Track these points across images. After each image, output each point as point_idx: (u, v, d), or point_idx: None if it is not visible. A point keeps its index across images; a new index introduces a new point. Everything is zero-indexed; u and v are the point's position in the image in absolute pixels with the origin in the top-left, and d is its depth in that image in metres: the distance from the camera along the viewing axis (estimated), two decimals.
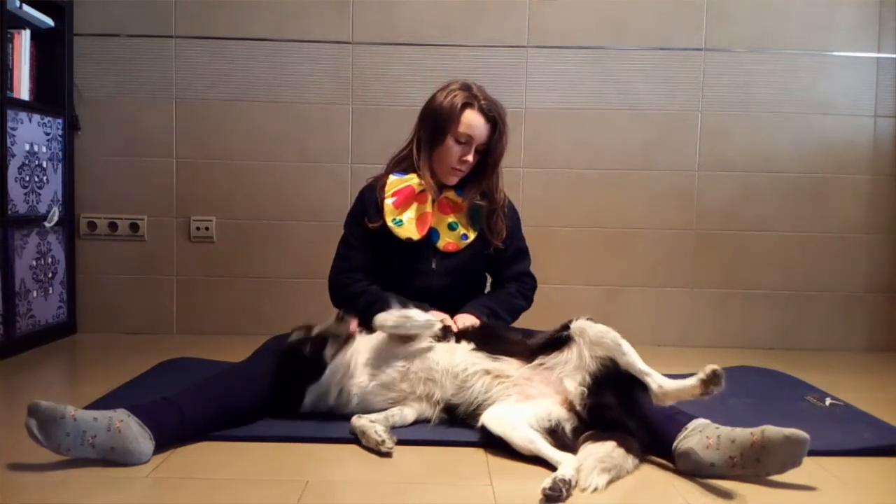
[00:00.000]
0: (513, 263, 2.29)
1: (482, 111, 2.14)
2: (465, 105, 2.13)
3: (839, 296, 3.18)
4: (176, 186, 3.12)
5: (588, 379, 1.70)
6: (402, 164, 2.24)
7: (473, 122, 2.13)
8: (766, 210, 3.15)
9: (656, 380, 1.62)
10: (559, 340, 1.80)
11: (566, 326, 1.79)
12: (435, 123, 2.15)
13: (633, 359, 1.66)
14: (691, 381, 1.56)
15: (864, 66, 3.11)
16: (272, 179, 3.11)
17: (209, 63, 3.08)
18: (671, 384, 1.60)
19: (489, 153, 2.18)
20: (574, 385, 1.71)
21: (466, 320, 2.05)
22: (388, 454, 1.68)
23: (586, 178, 3.13)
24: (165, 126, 3.09)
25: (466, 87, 2.16)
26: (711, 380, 1.53)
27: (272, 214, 3.13)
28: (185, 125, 3.10)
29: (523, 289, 2.29)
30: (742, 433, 1.56)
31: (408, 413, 1.87)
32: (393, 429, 1.80)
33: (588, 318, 1.76)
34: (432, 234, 2.17)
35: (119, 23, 3.06)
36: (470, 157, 2.15)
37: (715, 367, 1.53)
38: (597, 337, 1.71)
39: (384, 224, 2.15)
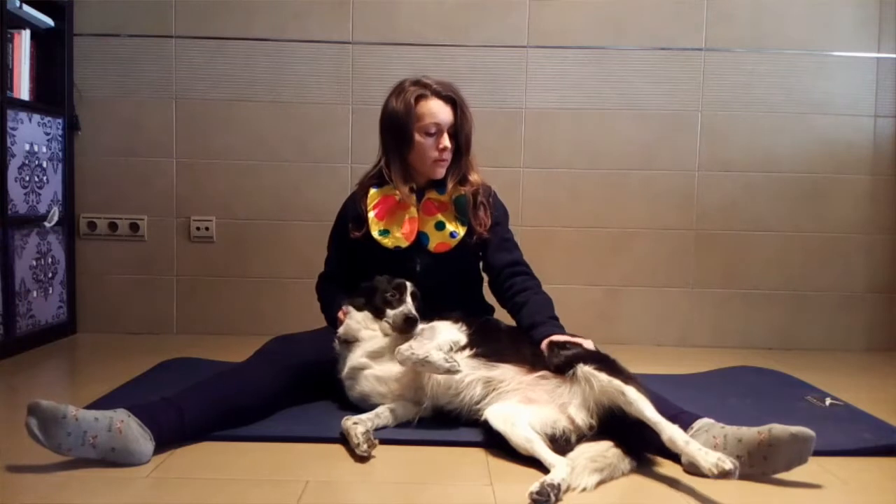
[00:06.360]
0: (502, 252, 2.19)
1: (438, 96, 2.12)
2: (419, 97, 2.11)
3: (839, 296, 3.18)
4: (176, 186, 3.12)
5: (594, 417, 1.66)
6: (375, 179, 2.21)
7: (434, 109, 2.11)
8: (766, 210, 3.15)
9: (667, 432, 1.53)
10: (563, 371, 1.75)
11: (571, 364, 1.72)
12: (397, 127, 2.11)
13: (641, 406, 1.57)
14: (704, 462, 1.44)
15: (864, 66, 3.11)
16: (272, 179, 3.11)
17: (209, 63, 3.08)
18: (683, 447, 1.50)
19: (459, 134, 2.15)
20: (580, 417, 1.67)
21: (560, 339, 1.91)
22: (363, 458, 1.65)
23: (586, 178, 3.13)
24: (165, 126, 3.09)
25: (415, 82, 2.14)
26: (724, 475, 1.41)
27: (272, 214, 3.13)
28: (185, 125, 3.10)
29: (535, 282, 2.18)
30: (749, 432, 1.56)
31: (398, 411, 1.87)
32: (380, 428, 1.80)
33: (595, 367, 1.68)
34: (421, 238, 2.13)
35: (119, 23, 3.06)
36: (447, 143, 2.12)
37: (729, 466, 1.41)
38: (601, 389, 1.64)
39: (368, 234, 2.13)
